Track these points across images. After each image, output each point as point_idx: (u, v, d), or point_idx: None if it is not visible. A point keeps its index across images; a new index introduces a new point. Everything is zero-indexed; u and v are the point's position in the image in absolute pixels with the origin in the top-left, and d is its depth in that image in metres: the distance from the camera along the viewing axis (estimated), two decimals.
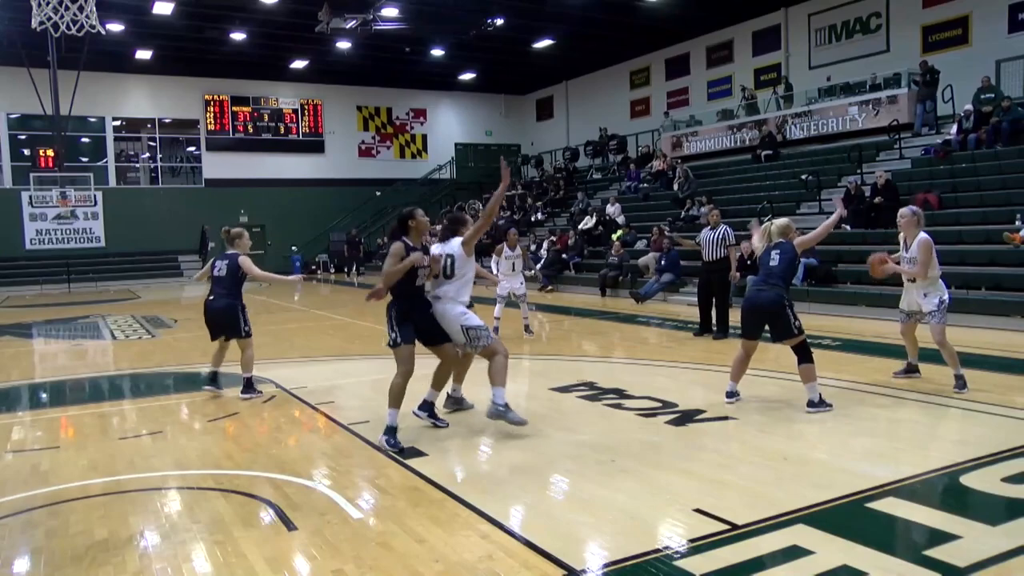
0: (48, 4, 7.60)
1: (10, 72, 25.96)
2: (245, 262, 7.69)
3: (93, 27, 8.00)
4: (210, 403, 7.66)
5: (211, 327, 7.81)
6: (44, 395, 8.78)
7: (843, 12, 21.86)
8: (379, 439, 5.68)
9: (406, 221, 5.88)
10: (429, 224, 6.18)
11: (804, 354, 6.43)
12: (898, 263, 7.19)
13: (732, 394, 6.75)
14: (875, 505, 4.24)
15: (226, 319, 7.66)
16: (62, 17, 7.87)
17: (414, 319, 5.81)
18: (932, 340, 6.97)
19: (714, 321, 10.76)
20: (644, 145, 26.70)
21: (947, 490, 4.57)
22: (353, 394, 8.11)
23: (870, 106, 19.20)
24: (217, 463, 5.54)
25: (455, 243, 6.05)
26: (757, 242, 7.11)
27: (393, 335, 5.76)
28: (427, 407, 6.30)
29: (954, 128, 16.55)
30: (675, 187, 21.19)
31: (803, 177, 17.50)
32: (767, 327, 6.59)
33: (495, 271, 11.30)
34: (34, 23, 7.99)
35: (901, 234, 7.25)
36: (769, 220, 7.13)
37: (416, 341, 5.81)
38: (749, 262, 12.71)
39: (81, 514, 4.56)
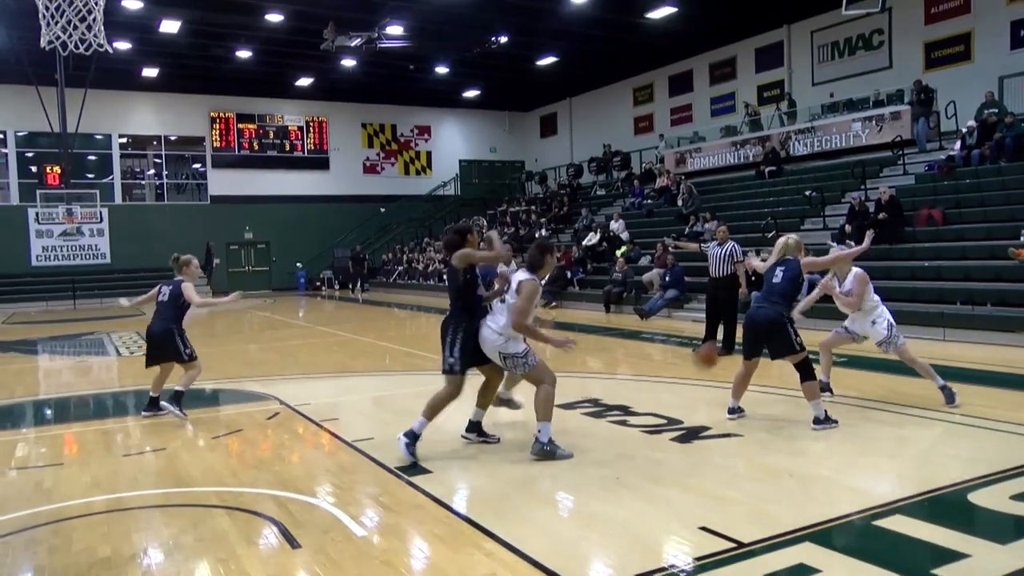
0: (57, 24, 7.67)
1: (18, 90, 26.18)
2: (187, 288, 7.64)
3: (101, 46, 8.06)
4: (214, 420, 7.65)
5: (149, 352, 7.74)
6: (48, 411, 8.79)
7: (845, 29, 21.95)
8: (399, 438, 5.67)
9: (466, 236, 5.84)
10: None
11: (806, 371, 6.39)
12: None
13: (734, 411, 6.73)
14: (882, 523, 4.22)
15: (163, 343, 7.58)
16: (71, 36, 7.92)
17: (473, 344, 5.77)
18: (905, 362, 7.11)
19: (720, 337, 10.73)
20: (648, 161, 26.75)
21: (955, 508, 4.53)
22: (357, 411, 8.09)
23: (873, 122, 19.23)
24: (221, 480, 5.52)
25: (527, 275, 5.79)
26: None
27: (452, 360, 5.71)
28: (474, 427, 6.24)
29: (957, 144, 16.56)
30: (679, 203, 21.21)
31: (807, 193, 17.51)
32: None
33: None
34: (43, 42, 8.05)
35: (832, 270, 7.31)
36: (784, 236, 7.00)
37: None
38: (753, 278, 12.67)
39: (84, 532, 4.55)
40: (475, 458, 5.86)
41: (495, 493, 5.04)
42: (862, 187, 16.77)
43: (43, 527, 4.65)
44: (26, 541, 4.45)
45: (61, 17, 7.81)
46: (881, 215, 14.52)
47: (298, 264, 31.97)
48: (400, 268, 30.56)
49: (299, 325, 18.27)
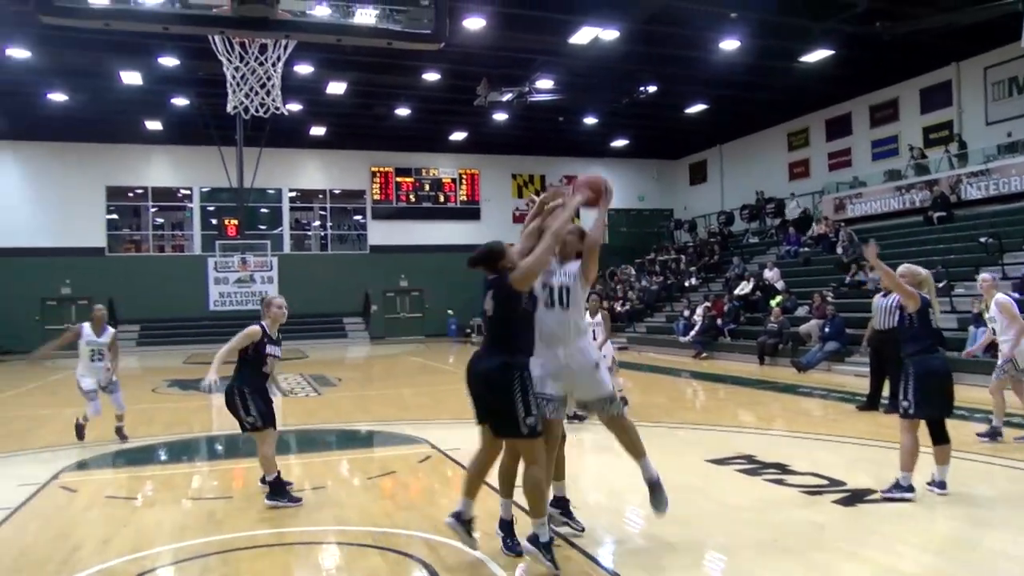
0: (241, 91, 8.52)
1: (203, 151, 28.88)
2: (247, 332, 6.11)
3: (278, 108, 8.84)
4: (368, 461, 7.92)
5: None
6: (220, 447, 9.41)
7: None
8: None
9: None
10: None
11: (945, 431, 5.86)
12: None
13: (912, 488, 5.75)
14: None
15: (227, 406, 6.14)
16: (252, 101, 8.76)
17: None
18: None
19: (885, 394, 10.06)
20: (804, 208, 25.81)
21: None
22: None
23: None
24: (375, 520, 5.68)
25: (572, 267, 4.91)
26: None
27: (533, 419, 4.29)
28: (505, 528, 4.93)
29: None
30: (838, 251, 20.25)
31: (982, 240, 16.28)
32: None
33: None
34: (229, 108, 8.96)
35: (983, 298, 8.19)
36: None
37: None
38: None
39: (249, 563, 4.81)
40: (623, 513, 5.75)
41: (644, 550, 4.91)
42: None
43: (214, 556, 4.95)
44: (200, 568, 4.76)
45: (245, 85, 8.62)
46: None
47: (449, 311, 32.89)
48: None
49: (450, 371, 18.72)
